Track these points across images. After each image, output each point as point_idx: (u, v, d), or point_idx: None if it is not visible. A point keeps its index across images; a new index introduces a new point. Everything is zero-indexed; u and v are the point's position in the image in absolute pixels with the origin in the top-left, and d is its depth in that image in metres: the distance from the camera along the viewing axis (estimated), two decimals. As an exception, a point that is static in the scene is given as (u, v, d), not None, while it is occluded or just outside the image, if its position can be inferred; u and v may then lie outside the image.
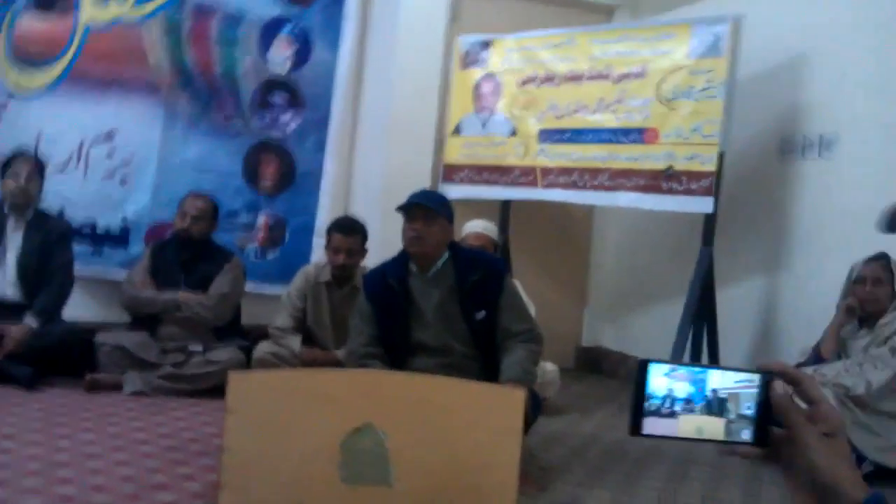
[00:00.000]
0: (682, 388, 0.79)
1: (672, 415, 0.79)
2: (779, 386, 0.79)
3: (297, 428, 2.36)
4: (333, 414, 2.36)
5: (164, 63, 4.44)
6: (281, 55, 4.71)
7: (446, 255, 3.00)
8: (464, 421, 2.39)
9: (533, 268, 5.01)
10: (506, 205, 4.82)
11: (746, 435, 0.80)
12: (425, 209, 2.92)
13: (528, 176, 4.56)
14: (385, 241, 3.85)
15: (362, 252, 3.89)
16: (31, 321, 3.68)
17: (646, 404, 0.79)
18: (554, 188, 4.44)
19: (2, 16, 4.07)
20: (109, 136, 4.35)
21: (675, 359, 3.90)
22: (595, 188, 4.28)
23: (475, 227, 3.98)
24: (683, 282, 4.12)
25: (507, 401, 2.41)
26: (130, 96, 4.38)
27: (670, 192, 4.00)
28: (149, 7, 4.38)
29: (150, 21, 4.39)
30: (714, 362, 4.20)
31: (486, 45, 4.75)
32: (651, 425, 0.79)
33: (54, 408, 3.28)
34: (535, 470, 3.00)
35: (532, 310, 3.56)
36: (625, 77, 4.22)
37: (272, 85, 4.71)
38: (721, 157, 3.86)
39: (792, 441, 0.77)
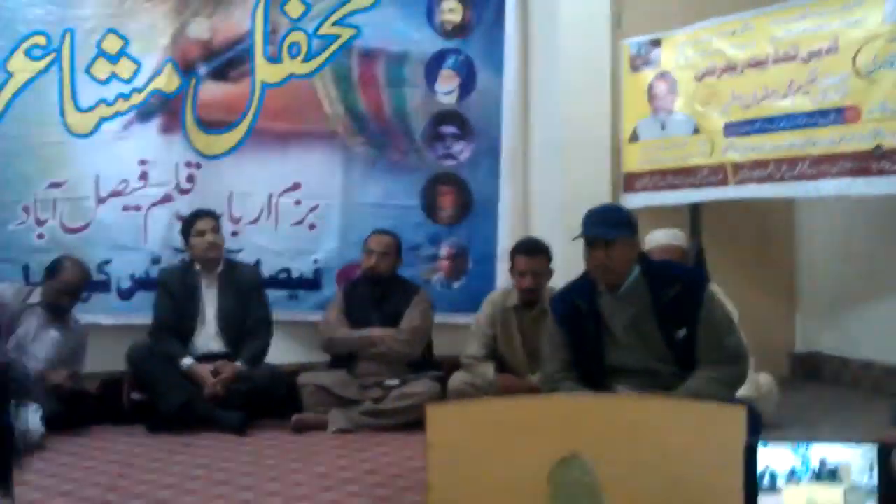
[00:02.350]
0: (785, 461, 0.80)
1: (774, 489, 0.81)
2: None
3: (501, 460, 2.26)
4: (537, 444, 2.24)
5: (339, 110, 4.61)
6: (447, 87, 4.75)
7: (636, 269, 2.78)
8: (678, 443, 2.19)
9: (733, 273, 4.64)
10: (695, 208, 4.53)
11: None
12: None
13: (717, 174, 4.27)
14: (570, 261, 3.69)
15: (548, 273, 3.78)
16: (238, 364, 3.86)
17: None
18: (748, 184, 4.13)
19: (186, 87, 4.37)
20: (295, 186, 4.55)
21: None
22: (795, 179, 3.94)
23: (660, 240, 3.70)
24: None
25: (725, 418, 2.20)
26: (311, 146, 4.58)
27: (882, 172, 3.62)
28: (319, 60, 4.56)
29: (321, 73, 4.57)
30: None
31: (655, 43, 4.53)
32: None
33: (263, 450, 3.39)
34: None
35: (735, 316, 3.27)
36: (815, 55, 3.87)
37: (442, 117, 4.76)
38: (938, 126, 3.43)
39: None
